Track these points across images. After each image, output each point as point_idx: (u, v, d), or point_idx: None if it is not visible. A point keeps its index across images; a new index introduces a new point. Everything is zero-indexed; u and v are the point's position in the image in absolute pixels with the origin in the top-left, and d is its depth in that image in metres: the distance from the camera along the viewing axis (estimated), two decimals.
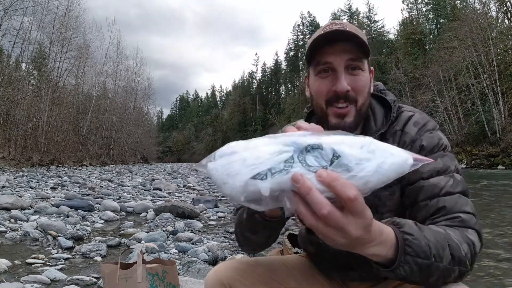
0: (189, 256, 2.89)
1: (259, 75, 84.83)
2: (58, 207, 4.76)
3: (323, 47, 0.85)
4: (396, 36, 49.17)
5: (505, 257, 2.99)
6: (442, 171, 0.82)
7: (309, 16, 69.00)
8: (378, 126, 0.91)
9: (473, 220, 0.77)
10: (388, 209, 0.90)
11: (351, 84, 0.85)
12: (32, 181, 9.86)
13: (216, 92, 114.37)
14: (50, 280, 2.27)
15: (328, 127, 0.89)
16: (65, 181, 10.32)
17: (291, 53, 71.37)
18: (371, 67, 0.93)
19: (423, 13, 45.80)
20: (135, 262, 1.46)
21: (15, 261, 2.64)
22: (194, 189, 9.53)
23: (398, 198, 0.89)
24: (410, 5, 46.58)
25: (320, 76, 0.88)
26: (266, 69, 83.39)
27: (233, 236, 3.79)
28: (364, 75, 0.87)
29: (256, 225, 0.88)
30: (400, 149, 0.52)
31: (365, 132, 0.92)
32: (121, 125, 38.17)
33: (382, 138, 0.91)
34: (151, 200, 6.56)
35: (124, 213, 5.20)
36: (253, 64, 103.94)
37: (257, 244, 0.98)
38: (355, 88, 0.86)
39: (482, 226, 0.79)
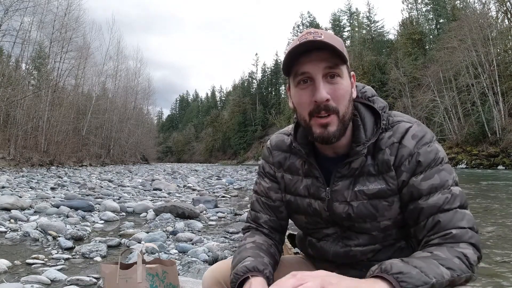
0: (189, 256, 2.88)
1: (259, 75, 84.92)
2: (58, 208, 4.76)
3: (299, 57, 0.85)
4: (396, 36, 49.19)
5: (505, 257, 2.98)
6: (439, 187, 0.84)
7: (309, 17, 69.08)
8: (368, 136, 0.90)
9: (467, 234, 0.79)
10: (386, 218, 0.91)
11: (330, 93, 0.84)
12: (32, 181, 9.87)
13: (216, 92, 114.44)
14: (50, 280, 2.27)
15: (312, 137, 0.90)
16: (65, 182, 10.32)
17: None
18: (352, 72, 0.92)
19: (423, 13, 45.86)
20: (135, 263, 1.46)
21: (15, 262, 2.63)
22: (194, 189, 9.53)
23: (397, 208, 0.90)
24: (410, 5, 46.67)
25: (300, 87, 0.87)
26: (266, 69, 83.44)
27: (233, 236, 3.79)
28: (343, 83, 0.86)
29: None
30: None
31: (355, 142, 0.91)
32: (121, 125, 38.19)
33: (376, 147, 0.90)
34: (151, 200, 6.55)
35: (124, 214, 5.19)
36: (253, 64, 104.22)
37: None
38: (335, 97, 0.85)
39: (479, 239, 0.80)
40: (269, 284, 0.87)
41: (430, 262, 0.72)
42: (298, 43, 0.84)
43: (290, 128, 1.06)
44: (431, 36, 43.41)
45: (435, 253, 0.75)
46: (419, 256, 0.76)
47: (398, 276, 0.69)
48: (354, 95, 0.93)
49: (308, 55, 0.84)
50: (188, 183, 11.07)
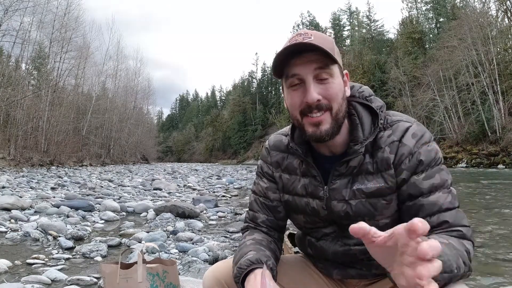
0: (190, 256, 2.89)
1: (259, 74, 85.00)
2: (58, 207, 4.76)
3: (290, 59, 0.86)
4: (396, 35, 49.15)
5: (505, 257, 2.99)
6: (439, 186, 0.85)
7: (309, 16, 69.20)
8: (366, 134, 0.91)
9: (469, 232, 0.83)
10: (384, 217, 0.92)
11: (322, 93, 0.85)
12: (32, 181, 9.87)
13: (216, 92, 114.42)
14: (51, 280, 2.27)
15: (306, 136, 0.91)
16: (65, 181, 10.32)
17: None
18: (345, 71, 0.93)
19: (423, 12, 45.83)
20: (136, 262, 1.46)
21: (16, 262, 2.63)
22: (194, 189, 9.53)
23: (395, 205, 0.91)
24: (410, 5, 46.61)
25: (292, 89, 0.88)
26: (266, 68, 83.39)
27: (234, 236, 3.80)
28: (335, 82, 0.87)
29: None
30: None
31: (353, 140, 0.91)
32: (121, 125, 38.19)
33: (375, 146, 0.91)
34: (151, 200, 6.55)
35: (124, 213, 5.20)
36: (253, 64, 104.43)
37: None
38: (327, 96, 0.85)
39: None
40: (273, 276, 0.87)
41: (454, 253, 0.71)
42: (288, 44, 0.85)
43: (288, 128, 1.07)
44: (431, 35, 43.39)
45: (450, 242, 0.75)
46: (442, 241, 0.73)
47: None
48: (348, 93, 0.93)
49: (298, 57, 0.85)
50: (188, 183, 11.07)
